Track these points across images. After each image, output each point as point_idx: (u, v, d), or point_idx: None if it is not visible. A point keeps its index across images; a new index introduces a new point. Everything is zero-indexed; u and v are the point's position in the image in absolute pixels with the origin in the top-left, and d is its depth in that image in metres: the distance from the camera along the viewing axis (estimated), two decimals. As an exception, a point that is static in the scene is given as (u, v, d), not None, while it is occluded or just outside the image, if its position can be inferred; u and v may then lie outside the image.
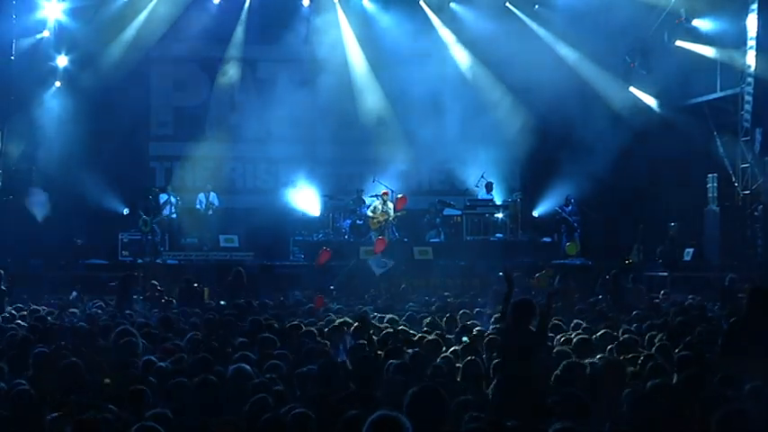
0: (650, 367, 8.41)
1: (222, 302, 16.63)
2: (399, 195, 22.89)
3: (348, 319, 12.01)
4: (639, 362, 8.79)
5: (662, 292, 18.83)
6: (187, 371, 7.92)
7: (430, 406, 6.10)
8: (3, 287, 15.57)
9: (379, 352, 9.39)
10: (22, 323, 12.36)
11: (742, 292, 13.95)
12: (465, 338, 9.85)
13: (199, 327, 11.87)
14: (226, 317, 12.96)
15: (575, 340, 9.93)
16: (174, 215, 23.41)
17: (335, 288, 19.56)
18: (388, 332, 10.95)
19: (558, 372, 8.02)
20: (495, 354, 9.24)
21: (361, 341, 10.01)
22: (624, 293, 17.12)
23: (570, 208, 23.86)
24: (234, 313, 13.75)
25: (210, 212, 23.91)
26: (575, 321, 11.89)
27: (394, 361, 8.54)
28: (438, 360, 8.97)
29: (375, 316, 13.07)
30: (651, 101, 24.80)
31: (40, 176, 22.56)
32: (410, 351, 9.28)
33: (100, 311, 14.65)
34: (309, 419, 6.16)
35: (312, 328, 11.12)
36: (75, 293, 17.65)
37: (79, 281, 19.88)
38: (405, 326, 11.89)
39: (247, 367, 8.03)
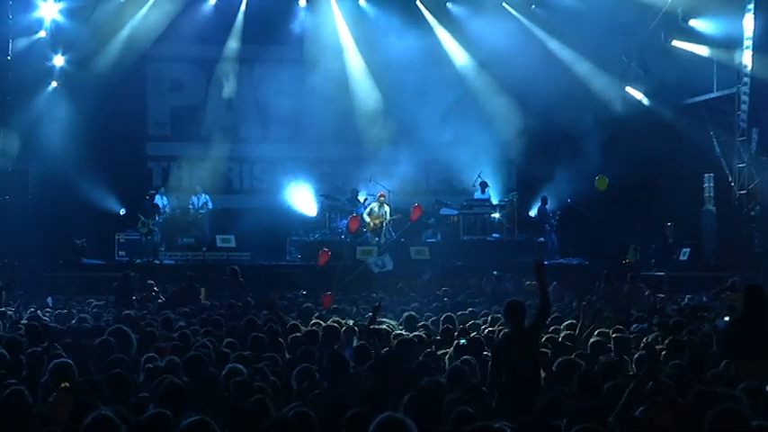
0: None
1: (218, 302, 16.57)
2: (415, 205, 22.25)
3: (341, 320, 11.97)
4: (638, 362, 8.77)
5: (658, 292, 18.81)
6: (180, 370, 7.89)
7: (428, 406, 6.11)
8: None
9: (383, 351, 9.37)
10: (19, 323, 12.32)
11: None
12: (463, 341, 9.82)
13: (194, 326, 11.84)
14: (221, 316, 12.94)
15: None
16: (164, 213, 23.29)
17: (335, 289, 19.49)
18: (389, 333, 10.93)
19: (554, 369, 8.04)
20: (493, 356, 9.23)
21: (366, 342, 9.98)
22: (618, 294, 17.06)
23: (548, 206, 23.75)
24: (230, 313, 13.74)
25: (203, 212, 23.71)
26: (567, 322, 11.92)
27: (395, 362, 8.52)
28: (438, 361, 8.96)
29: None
30: (647, 101, 24.81)
31: (37, 176, 22.48)
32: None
33: (97, 311, 14.65)
34: (310, 419, 6.14)
35: (313, 328, 11.13)
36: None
37: (77, 281, 19.85)
38: (402, 327, 11.86)
39: (240, 366, 8.02)
